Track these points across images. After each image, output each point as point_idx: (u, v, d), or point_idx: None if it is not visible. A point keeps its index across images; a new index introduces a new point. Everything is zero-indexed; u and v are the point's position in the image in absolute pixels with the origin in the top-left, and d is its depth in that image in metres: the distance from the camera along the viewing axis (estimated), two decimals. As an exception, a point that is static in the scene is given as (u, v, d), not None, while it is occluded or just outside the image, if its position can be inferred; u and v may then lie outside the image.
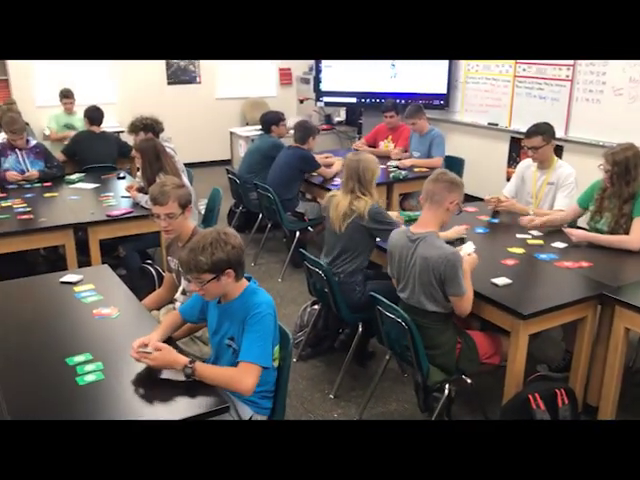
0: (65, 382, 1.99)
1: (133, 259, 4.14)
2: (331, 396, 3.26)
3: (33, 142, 4.83)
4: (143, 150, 3.96)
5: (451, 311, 2.64)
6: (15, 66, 7.09)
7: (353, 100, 7.17)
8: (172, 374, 2.00)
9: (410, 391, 3.25)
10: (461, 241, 3.11)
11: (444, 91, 6.65)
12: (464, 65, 6.57)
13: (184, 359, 1.98)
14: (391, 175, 4.89)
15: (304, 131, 4.84)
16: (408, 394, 3.26)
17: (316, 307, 3.67)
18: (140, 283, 3.78)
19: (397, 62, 6.75)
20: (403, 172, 4.90)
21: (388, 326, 2.76)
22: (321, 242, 4.95)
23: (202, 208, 4.89)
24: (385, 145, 5.64)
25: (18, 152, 4.68)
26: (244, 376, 2.00)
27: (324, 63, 7.12)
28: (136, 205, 4.05)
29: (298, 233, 4.80)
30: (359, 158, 3.23)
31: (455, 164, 5.15)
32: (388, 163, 5.13)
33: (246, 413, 2.17)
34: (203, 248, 2.01)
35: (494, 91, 6.28)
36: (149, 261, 4.25)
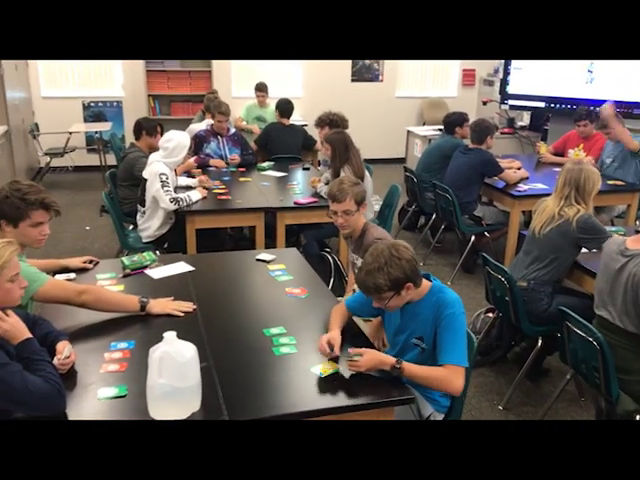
0: (264, 351, 2.17)
1: (313, 246, 4.34)
2: (500, 407, 3.16)
3: (232, 130, 5.27)
4: (334, 142, 4.11)
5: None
6: (217, 60, 7.73)
7: (541, 105, 6.82)
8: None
9: (587, 416, 3.06)
10: None
11: (648, 99, 6.07)
12: (676, 71, 5.94)
13: (391, 359, 2.01)
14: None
15: (481, 130, 4.71)
16: (584, 419, 3.06)
17: (490, 315, 3.58)
18: (317, 269, 3.96)
19: (595, 66, 6.29)
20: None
21: (576, 344, 2.61)
22: (497, 249, 4.84)
23: (374, 204, 4.98)
24: (575, 154, 5.29)
25: (219, 139, 5.15)
26: (454, 378, 2.01)
27: (514, 65, 6.86)
28: (318, 195, 4.24)
29: (473, 237, 4.70)
30: (582, 167, 3.10)
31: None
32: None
33: (426, 409, 2.20)
34: (379, 269, 2.01)
35: None
36: (328, 249, 4.45)
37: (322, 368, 2.05)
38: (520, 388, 3.28)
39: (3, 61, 6.22)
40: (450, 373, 2.02)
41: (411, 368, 2.02)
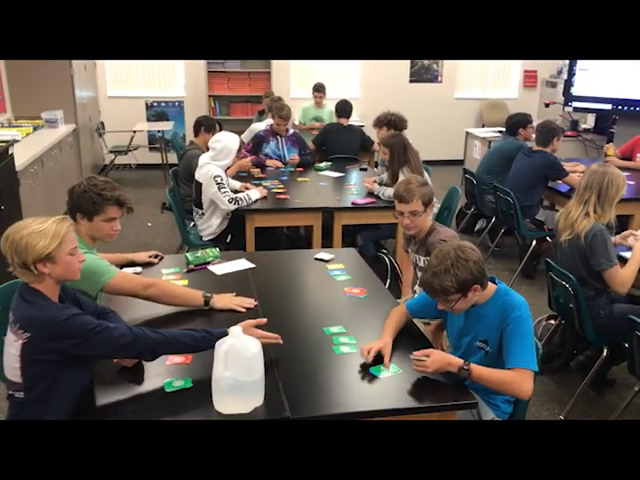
0: (323, 349, 2.18)
1: (369, 247, 4.33)
2: (561, 417, 3.07)
3: (291, 131, 5.32)
4: (391, 145, 4.09)
5: None
6: (276, 61, 7.81)
7: (607, 107, 6.57)
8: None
9: (655, 431, 2.93)
10: None
11: None
12: None
13: (459, 360, 1.99)
14: (651, 191, 4.42)
15: (548, 132, 4.58)
16: (652, 434, 2.93)
17: (552, 322, 3.48)
18: (373, 270, 3.95)
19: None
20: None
21: (646, 355, 2.51)
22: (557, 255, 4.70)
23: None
24: (644, 158, 5.10)
25: (279, 138, 5.21)
26: (523, 381, 1.97)
27: (579, 66, 6.65)
28: (375, 196, 4.22)
29: (534, 242, 4.59)
30: (606, 170, 2.97)
31: None
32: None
33: (487, 415, 2.16)
34: (445, 271, 1.99)
35: None
36: (384, 250, 4.43)
37: (381, 369, 2.04)
38: (582, 399, 3.17)
39: (73, 62, 6.48)
40: (519, 376, 1.97)
41: (479, 370, 1.98)
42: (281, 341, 2.11)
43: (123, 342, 1.85)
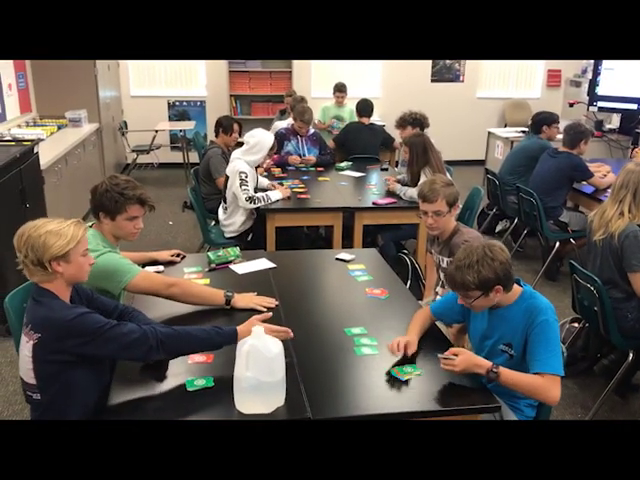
0: (344, 350, 2.17)
1: (390, 248, 4.31)
2: (585, 422, 3.03)
3: (311, 131, 5.31)
4: (412, 144, 4.07)
5: None
6: (297, 61, 7.79)
7: (633, 106, 6.46)
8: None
9: (682, 438, 2.87)
10: None
11: None
12: None
13: (487, 362, 1.97)
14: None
15: (575, 134, 4.50)
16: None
17: (576, 325, 3.43)
18: (394, 271, 3.93)
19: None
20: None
21: (674, 360, 2.46)
22: (582, 257, 4.63)
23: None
24: (672, 159, 5.00)
25: (299, 138, 5.21)
26: (552, 387, 1.94)
27: (604, 65, 6.55)
28: (396, 196, 4.20)
29: (557, 244, 4.52)
30: None
31: None
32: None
33: (510, 419, 2.13)
34: (469, 266, 1.97)
35: None
36: (405, 251, 4.41)
37: (404, 371, 2.02)
38: (606, 403, 3.12)
39: (97, 62, 6.55)
40: (547, 382, 1.94)
41: (508, 374, 1.96)
42: (292, 334, 2.09)
43: (132, 338, 1.83)
